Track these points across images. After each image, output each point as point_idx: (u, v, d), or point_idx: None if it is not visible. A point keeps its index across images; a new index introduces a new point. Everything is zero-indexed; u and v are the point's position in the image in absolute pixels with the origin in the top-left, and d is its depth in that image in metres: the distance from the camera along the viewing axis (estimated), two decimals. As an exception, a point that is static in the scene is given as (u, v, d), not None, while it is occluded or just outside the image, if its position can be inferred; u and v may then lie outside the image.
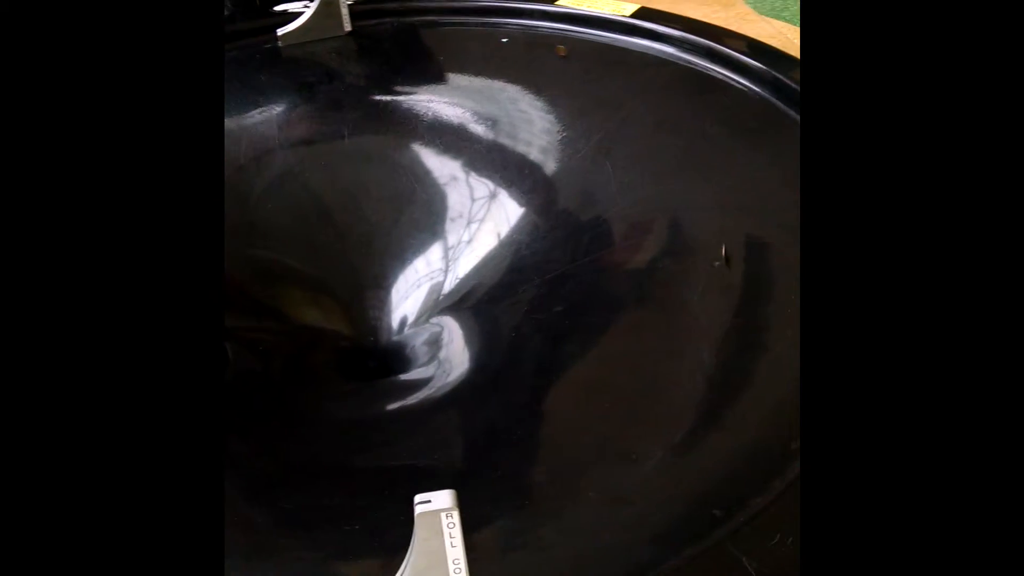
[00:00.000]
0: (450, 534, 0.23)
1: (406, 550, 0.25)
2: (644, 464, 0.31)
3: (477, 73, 0.51)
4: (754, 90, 0.45)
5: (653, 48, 0.50)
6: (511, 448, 0.37)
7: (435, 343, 0.44)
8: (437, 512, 0.23)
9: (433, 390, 0.43)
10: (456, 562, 0.23)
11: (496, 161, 0.47)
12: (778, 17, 0.73)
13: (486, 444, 0.39)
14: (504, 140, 0.47)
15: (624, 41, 0.51)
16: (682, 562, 0.25)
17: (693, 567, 0.25)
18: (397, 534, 0.30)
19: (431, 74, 0.53)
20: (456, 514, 0.23)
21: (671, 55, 0.49)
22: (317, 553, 0.31)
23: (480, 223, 0.46)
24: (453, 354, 0.44)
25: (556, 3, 0.54)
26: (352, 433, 0.42)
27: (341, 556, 0.31)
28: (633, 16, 0.52)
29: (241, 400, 0.42)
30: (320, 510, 0.35)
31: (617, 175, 0.45)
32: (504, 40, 0.53)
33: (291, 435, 0.41)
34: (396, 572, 0.24)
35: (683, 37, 0.49)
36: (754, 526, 0.25)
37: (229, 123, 0.50)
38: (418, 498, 0.24)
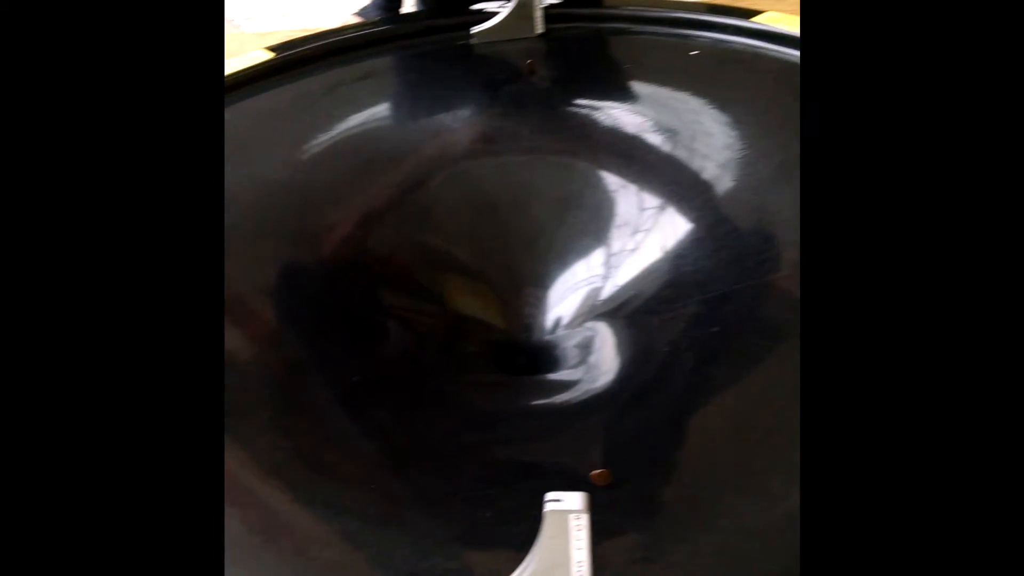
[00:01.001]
0: (577, 536, 0.23)
1: (527, 544, 0.25)
2: (784, 502, 0.30)
3: (662, 84, 0.51)
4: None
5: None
6: (647, 463, 0.37)
7: (586, 347, 0.45)
8: (566, 513, 0.23)
9: (578, 393, 0.43)
10: (580, 564, 0.23)
11: (670, 173, 0.46)
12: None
13: (623, 455, 0.38)
14: (681, 153, 0.47)
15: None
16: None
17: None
18: (525, 528, 0.30)
19: (615, 81, 0.53)
20: (585, 517, 0.23)
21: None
22: (447, 532, 0.32)
23: (646, 233, 0.46)
24: (603, 360, 0.44)
25: (752, 20, 0.53)
26: (493, 423, 0.43)
27: (468, 540, 0.32)
28: (833, 38, 0.50)
29: (394, 376, 0.44)
30: (454, 492, 0.36)
31: (796, 200, 0.43)
32: (694, 53, 0.52)
33: (435, 416, 0.42)
34: (520, 566, 0.24)
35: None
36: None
37: (419, 116, 0.52)
38: (549, 496, 0.24)
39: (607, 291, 0.46)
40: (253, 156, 0.48)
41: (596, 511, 0.26)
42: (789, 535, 0.29)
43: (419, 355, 0.46)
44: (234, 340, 0.42)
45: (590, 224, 0.47)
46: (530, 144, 0.50)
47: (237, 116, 0.50)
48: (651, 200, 0.46)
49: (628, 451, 0.38)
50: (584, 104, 0.51)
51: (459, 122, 0.51)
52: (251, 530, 0.31)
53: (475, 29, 0.55)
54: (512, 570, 0.25)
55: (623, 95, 0.51)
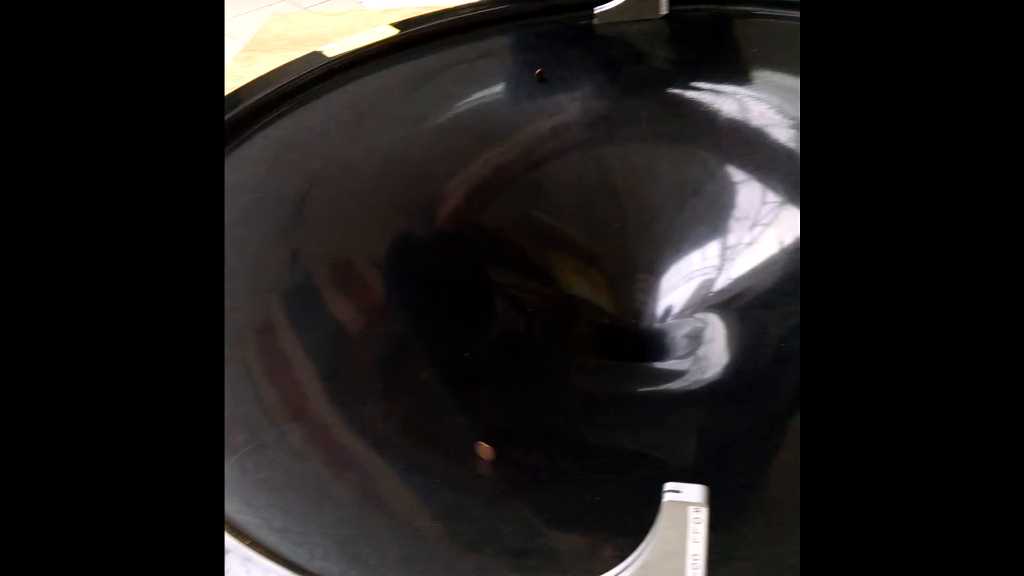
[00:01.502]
0: (695, 529, 0.23)
1: (634, 532, 0.25)
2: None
3: (790, 71, 0.49)
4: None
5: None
6: (755, 460, 0.36)
7: (696, 338, 0.44)
8: (685, 504, 0.23)
9: (685, 384, 0.42)
10: (695, 558, 0.23)
11: (795, 165, 0.45)
12: None
13: (729, 449, 0.38)
14: (808, 144, 0.45)
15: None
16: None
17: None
18: (631, 515, 0.30)
19: (739, 66, 0.51)
20: (705, 511, 0.23)
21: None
22: (553, 514, 0.32)
23: (765, 228, 0.45)
24: (712, 353, 0.43)
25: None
26: (598, 407, 0.42)
27: (574, 523, 0.32)
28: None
29: (497, 353, 0.44)
30: (558, 474, 0.36)
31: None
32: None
33: (540, 397, 0.42)
34: (633, 553, 0.24)
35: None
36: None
37: (538, 95, 0.52)
38: (668, 486, 0.23)
39: (721, 283, 0.45)
40: (375, 130, 0.49)
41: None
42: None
43: (526, 334, 0.46)
44: (346, 311, 0.43)
45: (708, 214, 0.46)
46: (649, 128, 0.49)
47: (362, 90, 0.51)
48: (773, 193, 0.45)
49: (735, 444, 0.38)
50: (707, 89, 0.50)
51: (577, 102, 0.50)
52: (363, 496, 0.32)
53: (598, 9, 0.55)
54: (620, 556, 0.25)
55: (748, 81, 0.50)
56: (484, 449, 0.34)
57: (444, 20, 0.56)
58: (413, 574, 0.27)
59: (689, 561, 0.23)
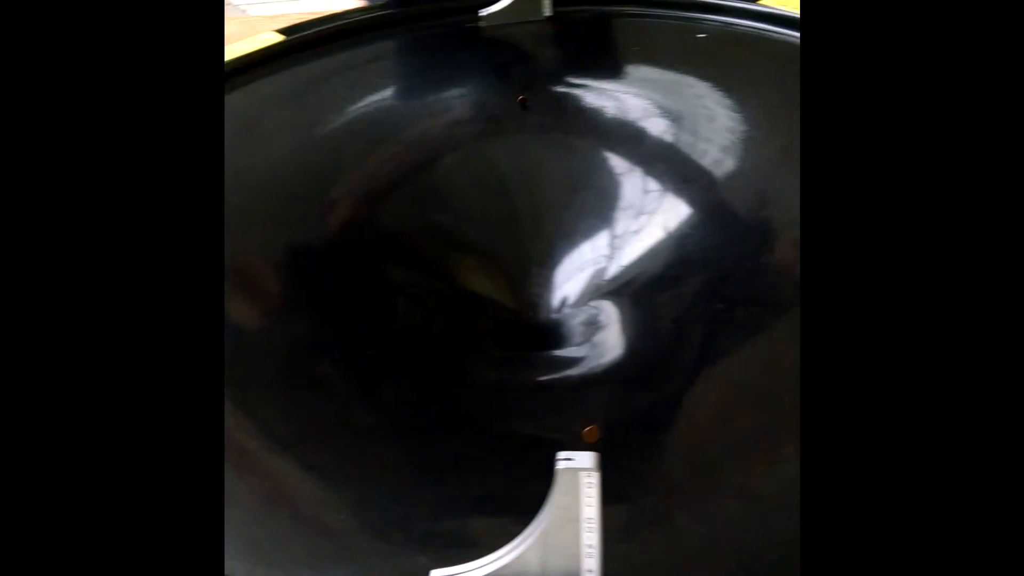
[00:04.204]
0: (587, 493, 0.24)
1: (538, 510, 0.26)
2: (787, 468, 0.31)
3: (668, 67, 0.51)
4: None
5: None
6: (654, 434, 0.38)
7: (592, 324, 0.45)
8: (577, 471, 0.24)
9: (584, 369, 0.44)
10: (589, 521, 0.24)
11: (675, 156, 0.47)
12: None
13: (629, 426, 0.39)
14: (686, 136, 0.47)
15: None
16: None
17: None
18: (533, 495, 0.31)
19: (621, 64, 0.53)
20: (596, 476, 0.24)
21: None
22: (458, 499, 0.33)
23: (650, 216, 0.47)
24: (608, 338, 0.44)
25: (757, 2, 0.53)
26: (500, 397, 0.43)
27: (479, 506, 0.32)
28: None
29: (401, 350, 0.45)
30: (463, 461, 0.37)
31: (796, 182, 0.44)
32: (701, 36, 0.53)
33: (443, 390, 0.43)
34: (532, 524, 0.25)
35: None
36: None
37: (429, 97, 0.52)
38: (560, 455, 0.25)
39: (612, 271, 0.47)
40: (264, 137, 0.49)
41: (604, 477, 0.27)
42: (795, 499, 0.30)
43: (427, 331, 0.47)
44: (242, 312, 0.42)
45: (596, 206, 0.48)
46: (538, 125, 0.50)
47: (248, 98, 0.50)
48: (655, 182, 0.47)
49: (635, 421, 0.39)
50: (591, 87, 0.52)
51: (468, 103, 0.52)
52: (267, 496, 0.32)
53: (484, 11, 0.56)
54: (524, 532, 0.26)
55: (629, 78, 0.52)
56: (590, 432, 0.35)
57: (331, 25, 0.56)
58: (320, 568, 0.27)
59: (584, 525, 0.24)
